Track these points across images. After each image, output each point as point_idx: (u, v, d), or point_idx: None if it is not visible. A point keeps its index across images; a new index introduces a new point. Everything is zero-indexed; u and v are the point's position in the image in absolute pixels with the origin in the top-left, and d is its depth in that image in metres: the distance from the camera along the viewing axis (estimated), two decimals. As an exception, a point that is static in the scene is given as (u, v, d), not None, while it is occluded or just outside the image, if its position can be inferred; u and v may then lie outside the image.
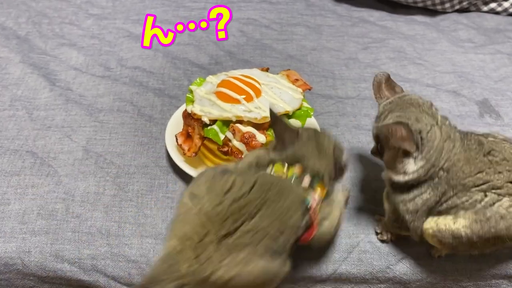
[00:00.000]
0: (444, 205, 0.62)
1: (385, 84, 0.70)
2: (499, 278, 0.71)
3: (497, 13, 1.28)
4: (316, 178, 0.59)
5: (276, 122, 0.62)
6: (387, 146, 0.63)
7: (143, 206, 0.75)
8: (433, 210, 0.63)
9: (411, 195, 0.63)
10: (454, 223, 0.61)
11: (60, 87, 0.96)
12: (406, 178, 0.62)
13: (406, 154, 0.61)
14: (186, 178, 0.78)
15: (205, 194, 0.55)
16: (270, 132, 0.74)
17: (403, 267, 0.70)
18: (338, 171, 0.63)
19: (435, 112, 0.64)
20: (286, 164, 0.59)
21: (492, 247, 0.63)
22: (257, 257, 0.52)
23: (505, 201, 0.60)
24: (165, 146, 0.83)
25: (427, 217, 0.63)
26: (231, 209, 0.53)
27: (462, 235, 0.60)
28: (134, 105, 0.93)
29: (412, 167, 0.61)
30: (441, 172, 0.61)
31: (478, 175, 0.61)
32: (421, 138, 0.60)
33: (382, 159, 0.66)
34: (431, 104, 0.65)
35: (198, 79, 0.82)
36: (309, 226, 0.58)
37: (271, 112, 0.62)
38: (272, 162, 0.59)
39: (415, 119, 0.61)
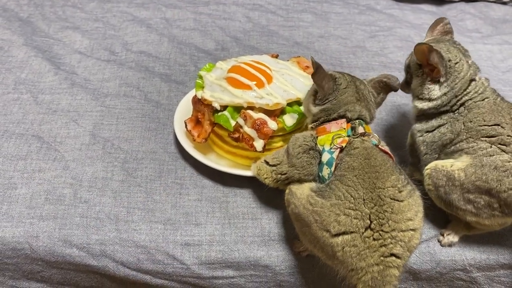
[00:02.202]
0: (453, 148, 0.66)
1: (441, 26, 0.76)
2: (507, 268, 0.71)
3: (504, 3, 1.27)
4: (362, 121, 0.65)
5: (316, 72, 0.64)
6: (416, 74, 0.70)
7: (152, 191, 0.74)
8: (444, 149, 0.67)
9: (430, 124, 0.69)
10: (451, 165, 0.65)
11: (65, 71, 0.95)
12: (430, 104, 0.68)
13: (433, 81, 0.68)
14: (195, 164, 0.78)
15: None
16: (281, 119, 0.73)
17: (412, 257, 0.70)
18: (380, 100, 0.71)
19: (469, 56, 0.71)
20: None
21: (481, 202, 0.63)
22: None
23: (506, 156, 0.63)
24: (173, 132, 0.82)
25: (439, 155, 0.68)
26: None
27: (455, 177, 0.63)
28: (141, 90, 0.91)
29: (436, 93, 0.67)
30: (462, 108, 0.66)
31: (495, 126, 0.64)
32: (449, 67, 0.67)
33: (410, 91, 0.73)
34: (467, 52, 0.71)
35: (207, 65, 0.81)
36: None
37: (313, 60, 0.65)
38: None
39: (447, 49, 0.68)
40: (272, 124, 0.72)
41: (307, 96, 0.69)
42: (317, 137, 0.64)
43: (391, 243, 0.55)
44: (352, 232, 0.55)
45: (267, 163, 0.67)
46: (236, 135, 0.72)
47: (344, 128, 0.64)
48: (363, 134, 0.63)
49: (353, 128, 0.64)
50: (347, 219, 0.56)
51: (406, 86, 0.73)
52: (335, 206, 0.56)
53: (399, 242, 0.56)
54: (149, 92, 0.91)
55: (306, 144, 0.64)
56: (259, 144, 0.72)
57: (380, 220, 0.56)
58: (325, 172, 0.62)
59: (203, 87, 0.77)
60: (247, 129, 0.71)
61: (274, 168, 0.66)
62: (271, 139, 0.74)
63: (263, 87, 0.74)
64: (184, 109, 0.83)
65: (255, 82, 0.74)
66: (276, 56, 0.84)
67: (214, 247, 0.69)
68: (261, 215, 0.72)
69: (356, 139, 0.62)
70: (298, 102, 0.75)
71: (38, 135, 0.81)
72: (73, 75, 0.94)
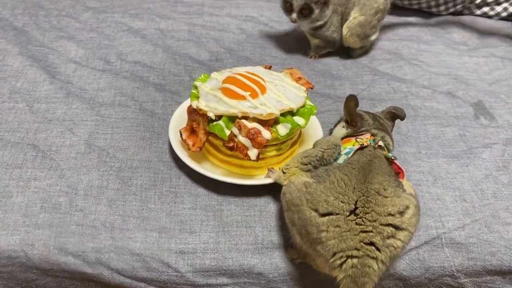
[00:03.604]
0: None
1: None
2: (494, 274, 0.73)
3: (490, 17, 1.31)
4: (384, 140, 0.75)
5: (350, 111, 0.77)
6: None
7: (147, 200, 0.75)
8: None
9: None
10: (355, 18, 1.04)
11: (60, 80, 0.95)
12: None
13: None
14: (189, 173, 0.79)
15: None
16: (275, 129, 0.75)
17: (402, 263, 0.72)
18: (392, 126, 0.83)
19: None
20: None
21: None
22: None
23: None
24: (168, 141, 0.83)
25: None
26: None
27: (361, 21, 1.03)
28: (136, 100, 0.93)
29: None
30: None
31: None
32: None
33: None
34: None
35: (202, 75, 0.83)
36: (397, 173, 0.70)
37: (349, 98, 0.76)
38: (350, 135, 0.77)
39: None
40: (266, 134, 0.73)
41: (339, 125, 0.81)
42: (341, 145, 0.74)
43: (372, 231, 0.60)
44: (337, 214, 0.61)
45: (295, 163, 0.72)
46: (231, 144, 0.74)
47: (368, 138, 0.73)
48: (380, 147, 0.72)
49: (374, 140, 0.73)
50: (335, 201, 0.61)
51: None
52: (327, 188, 0.63)
53: (379, 234, 0.60)
54: (144, 101, 0.93)
55: (334, 142, 0.73)
56: (253, 153, 0.73)
57: (365, 208, 0.61)
58: (341, 159, 0.70)
59: (198, 97, 0.78)
60: (242, 139, 0.73)
61: (303, 159, 0.71)
62: (265, 148, 0.75)
63: (257, 97, 0.75)
64: (178, 118, 0.84)
65: (249, 93, 0.75)
66: (270, 68, 0.86)
67: (208, 255, 0.70)
68: (255, 223, 0.73)
69: (373, 146, 0.71)
70: (291, 112, 0.77)
71: (33, 144, 0.82)
72: (68, 84, 0.95)
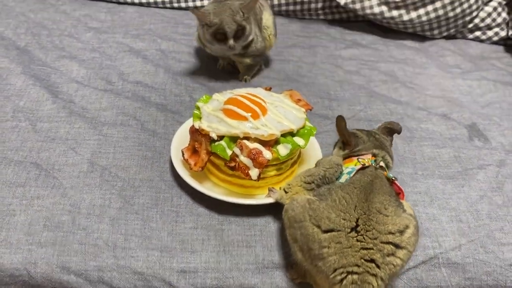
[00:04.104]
0: None
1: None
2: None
3: (482, 41, 1.35)
4: (384, 160, 0.77)
5: (342, 131, 0.79)
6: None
7: (149, 219, 0.76)
8: None
9: None
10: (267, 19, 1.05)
11: (63, 100, 0.97)
12: None
13: None
14: (190, 192, 0.80)
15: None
16: (275, 149, 0.77)
17: (400, 283, 0.73)
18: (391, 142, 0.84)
19: None
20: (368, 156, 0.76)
21: None
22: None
23: None
24: (169, 161, 0.85)
25: None
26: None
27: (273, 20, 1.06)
28: (137, 120, 0.94)
29: None
30: None
31: None
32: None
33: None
34: None
35: (204, 96, 0.85)
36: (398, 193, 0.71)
37: (338, 120, 0.78)
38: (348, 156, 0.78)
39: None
40: (267, 154, 0.75)
41: (336, 146, 0.83)
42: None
43: (372, 248, 0.61)
44: (338, 230, 0.63)
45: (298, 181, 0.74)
46: (233, 164, 0.75)
47: (369, 159, 0.75)
48: (382, 168, 0.73)
49: (375, 160, 0.75)
50: (337, 218, 0.63)
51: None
52: (329, 206, 0.65)
53: (379, 251, 0.62)
54: (146, 121, 0.94)
55: (336, 161, 0.75)
56: (254, 173, 0.74)
57: (366, 226, 0.63)
58: (343, 178, 0.72)
59: (200, 118, 0.80)
60: (243, 159, 0.74)
61: (306, 178, 0.74)
62: (266, 168, 0.77)
63: (258, 118, 0.77)
64: (180, 138, 0.86)
65: (250, 114, 0.77)
66: (270, 89, 0.88)
67: (209, 274, 0.71)
68: (256, 242, 0.74)
69: (375, 166, 0.73)
70: (291, 133, 0.79)
71: (36, 163, 0.83)
72: (70, 103, 0.96)
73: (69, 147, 0.86)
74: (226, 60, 1.11)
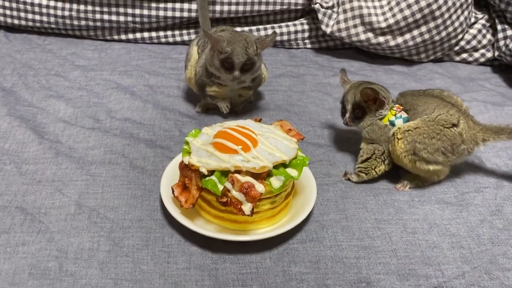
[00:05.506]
0: None
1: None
2: None
3: (469, 62, 1.36)
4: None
5: (371, 93, 0.89)
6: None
7: (139, 261, 0.73)
8: None
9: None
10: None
11: (49, 140, 0.95)
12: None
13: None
14: (182, 230, 0.77)
15: None
16: (268, 182, 0.75)
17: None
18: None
19: None
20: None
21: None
22: None
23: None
24: (159, 199, 0.82)
25: None
26: None
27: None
28: (126, 157, 0.92)
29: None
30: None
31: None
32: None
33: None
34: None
35: (193, 131, 0.83)
36: None
37: (362, 92, 0.89)
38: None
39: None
40: (260, 187, 0.73)
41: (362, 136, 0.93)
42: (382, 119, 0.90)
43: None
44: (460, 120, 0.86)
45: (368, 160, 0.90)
46: (224, 200, 0.73)
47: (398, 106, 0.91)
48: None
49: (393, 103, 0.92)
50: (455, 112, 0.87)
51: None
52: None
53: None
54: (135, 158, 0.92)
55: (381, 125, 0.90)
56: (247, 207, 0.72)
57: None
58: (398, 122, 0.88)
59: (189, 153, 0.78)
60: (235, 193, 0.72)
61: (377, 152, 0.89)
62: (259, 202, 0.74)
63: (249, 151, 0.76)
64: (170, 174, 0.84)
65: (241, 146, 0.75)
66: (260, 120, 0.86)
67: (205, 316, 0.68)
68: (252, 281, 0.71)
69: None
70: (284, 164, 0.77)
71: (21, 207, 0.80)
72: (57, 144, 0.94)
73: (56, 189, 0.84)
74: (226, 101, 1.05)
